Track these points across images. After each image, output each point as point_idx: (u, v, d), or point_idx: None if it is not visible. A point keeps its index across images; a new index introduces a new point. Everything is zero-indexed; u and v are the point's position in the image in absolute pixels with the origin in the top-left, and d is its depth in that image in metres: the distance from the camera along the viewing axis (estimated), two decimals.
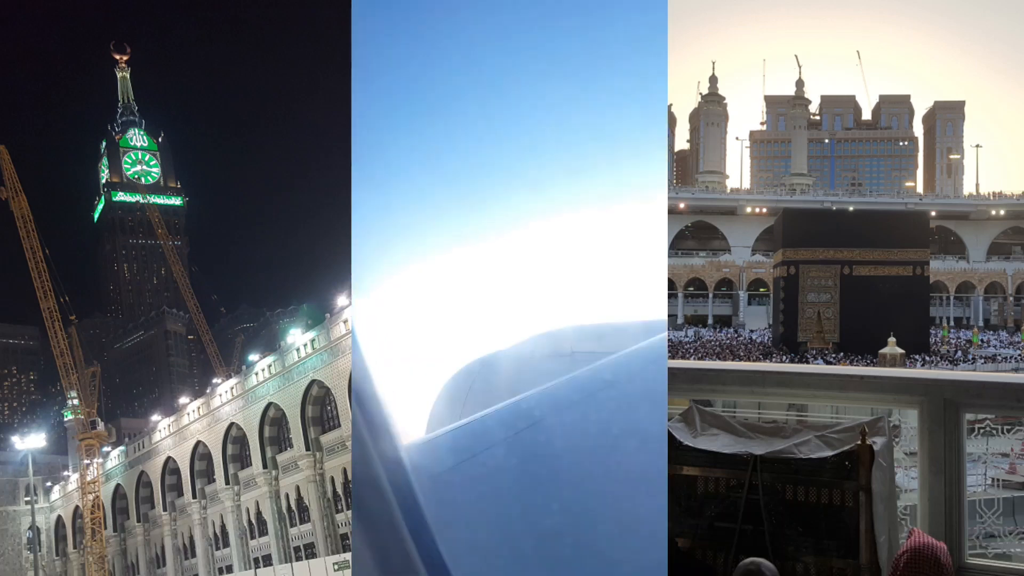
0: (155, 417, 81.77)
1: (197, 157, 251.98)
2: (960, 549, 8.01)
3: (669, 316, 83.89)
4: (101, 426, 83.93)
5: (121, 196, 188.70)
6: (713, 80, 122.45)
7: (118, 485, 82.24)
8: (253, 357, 69.87)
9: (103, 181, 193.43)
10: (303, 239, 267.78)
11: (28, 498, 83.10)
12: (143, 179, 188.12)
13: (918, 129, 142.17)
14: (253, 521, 66.59)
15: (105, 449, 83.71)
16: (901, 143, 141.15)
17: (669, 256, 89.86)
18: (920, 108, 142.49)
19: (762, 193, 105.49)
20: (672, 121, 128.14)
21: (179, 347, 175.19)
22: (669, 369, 7.49)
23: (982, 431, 8.81)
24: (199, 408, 71.74)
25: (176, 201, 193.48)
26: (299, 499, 61.96)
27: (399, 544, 3.70)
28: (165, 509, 76.15)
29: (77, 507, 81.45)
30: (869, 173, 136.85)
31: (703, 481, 8.48)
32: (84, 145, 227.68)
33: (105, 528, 77.35)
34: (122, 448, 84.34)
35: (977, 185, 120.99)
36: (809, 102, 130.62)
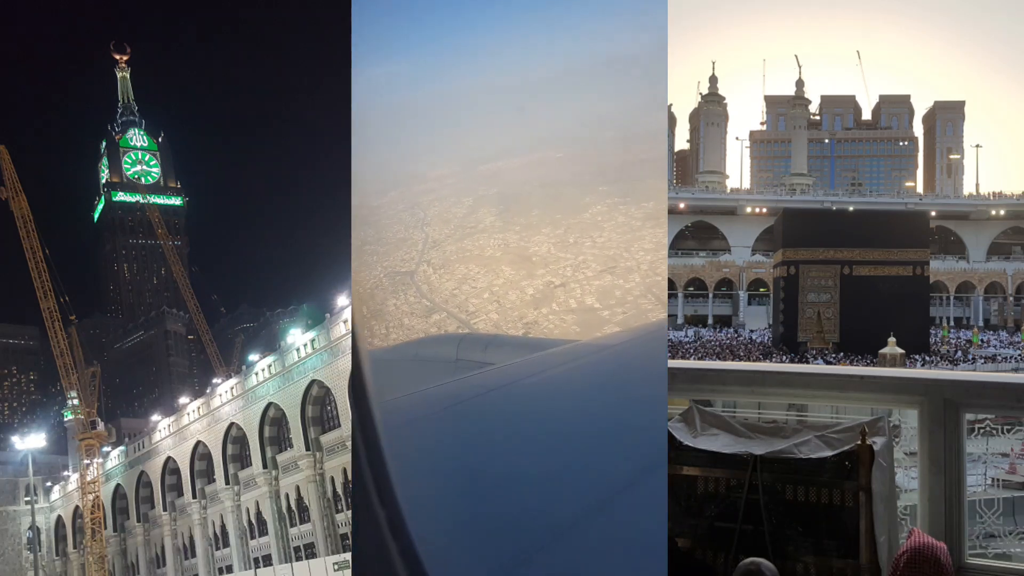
0: (155, 417, 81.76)
1: (197, 157, 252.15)
2: (960, 549, 8.01)
3: (669, 316, 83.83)
4: (101, 426, 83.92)
5: (121, 196, 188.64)
6: (713, 80, 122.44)
7: (118, 485, 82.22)
8: (253, 357, 69.88)
9: (103, 181, 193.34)
10: (303, 239, 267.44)
11: (28, 498, 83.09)
12: (143, 179, 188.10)
13: (918, 129, 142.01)
14: (253, 521, 66.58)
15: (105, 449, 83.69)
16: (901, 143, 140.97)
17: (669, 256, 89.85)
18: (920, 108, 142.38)
19: (762, 193, 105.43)
20: (672, 121, 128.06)
21: (179, 347, 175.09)
22: (669, 369, 7.48)
23: (982, 431, 8.81)
24: (199, 408, 71.73)
25: (176, 201, 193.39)
26: (299, 499, 61.95)
27: (399, 544, 3.70)
28: (165, 509, 76.14)
29: (77, 507, 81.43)
30: (869, 173, 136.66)
31: (703, 481, 8.48)
32: (84, 145, 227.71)
33: (105, 528, 77.32)
34: (122, 448, 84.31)
35: (977, 185, 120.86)
36: (809, 102, 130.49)
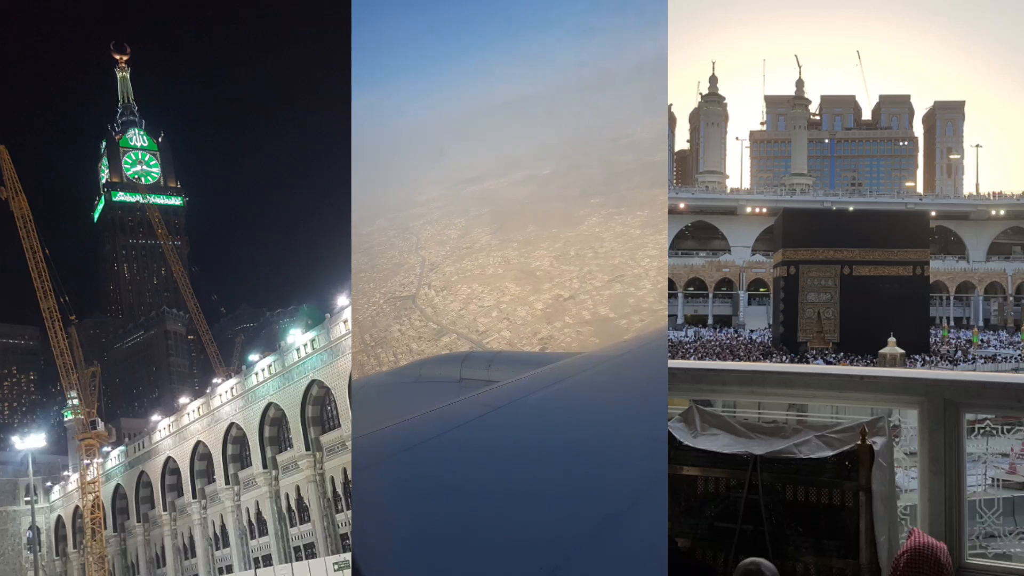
0: (155, 417, 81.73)
1: (197, 157, 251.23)
2: (960, 549, 8.01)
3: (669, 316, 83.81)
4: (101, 426, 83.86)
5: (121, 196, 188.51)
6: (713, 80, 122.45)
7: (118, 485, 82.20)
8: (253, 357, 69.84)
9: (103, 181, 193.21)
10: (303, 239, 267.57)
11: (28, 498, 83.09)
12: (143, 179, 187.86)
13: (918, 129, 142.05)
14: (253, 521, 66.56)
15: (105, 449, 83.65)
16: (901, 143, 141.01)
17: (669, 256, 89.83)
18: (920, 108, 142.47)
19: (762, 193, 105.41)
20: (672, 121, 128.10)
21: (179, 347, 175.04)
22: (669, 369, 7.49)
23: (982, 431, 8.81)
24: (199, 408, 71.71)
25: (176, 201, 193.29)
26: (299, 499, 61.93)
27: (399, 544, 3.70)
28: (165, 509, 76.12)
29: (77, 507, 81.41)
30: (869, 173, 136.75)
31: (703, 481, 8.48)
32: (84, 145, 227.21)
33: (105, 528, 77.30)
34: (122, 448, 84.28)
35: (977, 185, 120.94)
36: (809, 102, 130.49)
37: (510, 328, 66.95)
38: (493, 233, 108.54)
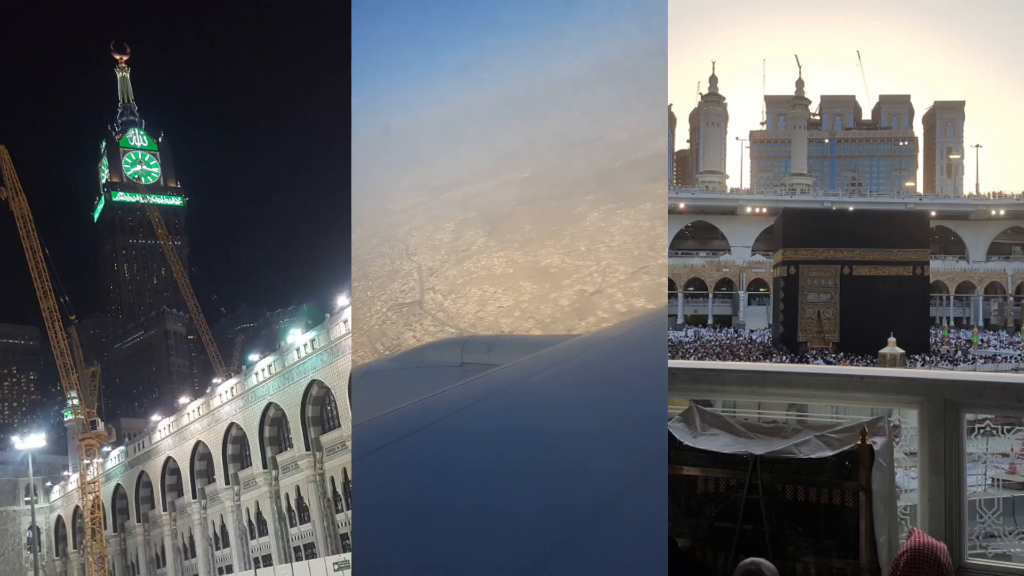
0: (155, 417, 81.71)
1: (197, 157, 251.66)
2: (960, 549, 8.01)
3: (669, 316, 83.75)
4: (101, 426, 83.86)
5: (121, 196, 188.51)
6: (713, 80, 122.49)
7: (118, 485, 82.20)
8: (253, 357, 69.83)
9: (103, 181, 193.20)
10: (303, 239, 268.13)
11: (28, 498, 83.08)
12: (143, 179, 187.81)
13: (918, 129, 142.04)
14: (253, 521, 66.56)
15: (105, 449, 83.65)
16: (901, 143, 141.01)
17: (669, 256, 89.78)
18: (920, 108, 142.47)
19: (762, 193, 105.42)
20: (672, 121, 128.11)
21: (179, 347, 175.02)
22: (669, 369, 7.49)
23: (982, 431, 8.81)
24: (199, 408, 71.71)
25: (176, 201, 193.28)
26: (299, 499, 61.94)
27: (399, 544, 3.70)
28: (165, 509, 76.11)
29: (77, 507, 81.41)
30: (869, 173, 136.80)
31: (703, 481, 8.48)
32: (84, 145, 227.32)
33: (105, 528, 77.30)
34: (122, 448, 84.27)
35: (977, 185, 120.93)
36: (809, 102, 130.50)
37: (539, 327, 65.45)
38: (488, 234, 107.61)
